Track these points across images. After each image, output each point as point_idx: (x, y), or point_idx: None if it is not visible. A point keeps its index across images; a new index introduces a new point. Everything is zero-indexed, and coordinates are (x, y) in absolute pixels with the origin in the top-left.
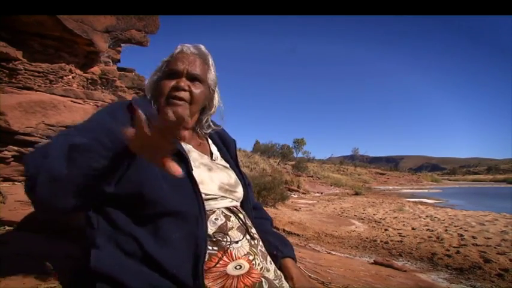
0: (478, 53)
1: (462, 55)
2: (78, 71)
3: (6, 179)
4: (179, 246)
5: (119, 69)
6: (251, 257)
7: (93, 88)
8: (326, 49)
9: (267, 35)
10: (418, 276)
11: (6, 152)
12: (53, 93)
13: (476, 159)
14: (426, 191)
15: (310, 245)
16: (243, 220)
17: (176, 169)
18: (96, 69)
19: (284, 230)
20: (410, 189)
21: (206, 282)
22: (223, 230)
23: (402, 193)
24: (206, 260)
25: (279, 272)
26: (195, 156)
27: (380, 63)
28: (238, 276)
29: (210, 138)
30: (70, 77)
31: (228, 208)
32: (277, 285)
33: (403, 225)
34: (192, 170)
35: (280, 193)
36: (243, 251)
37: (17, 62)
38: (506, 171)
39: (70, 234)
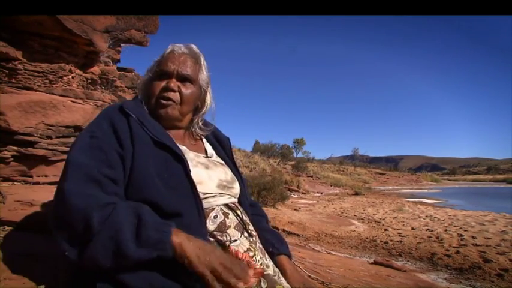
0: (478, 53)
1: (462, 55)
2: (78, 71)
3: (5, 179)
4: None
5: (119, 69)
6: (252, 253)
7: (92, 88)
8: (326, 49)
9: (267, 35)
10: (418, 276)
11: (5, 152)
12: (53, 93)
13: (476, 159)
14: (426, 191)
15: (310, 245)
16: (241, 217)
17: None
18: (95, 69)
19: (284, 230)
20: (410, 189)
21: None
22: (222, 228)
23: (402, 193)
24: None
25: (276, 269)
26: (191, 156)
27: (380, 63)
28: None
29: (205, 138)
30: (70, 77)
31: (226, 205)
32: (277, 280)
33: (403, 225)
34: (190, 171)
35: (280, 193)
36: (243, 249)
37: (16, 62)
38: (506, 171)
39: None
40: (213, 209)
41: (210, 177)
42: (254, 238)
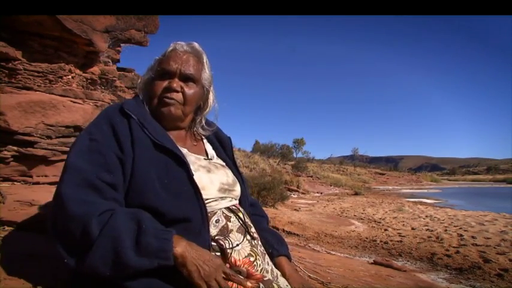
0: (478, 53)
1: (462, 55)
2: (78, 71)
3: (5, 179)
4: None
5: (119, 69)
6: (252, 258)
7: (92, 88)
8: (326, 49)
9: (267, 35)
10: (418, 276)
11: (5, 152)
12: (53, 93)
13: (475, 159)
14: (426, 191)
15: (309, 245)
16: (243, 219)
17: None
18: (95, 69)
19: (284, 230)
20: (410, 189)
21: None
22: (224, 232)
23: (402, 193)
24: None
25: (275, 271)
26: (192, 159)
27: (380, 63)
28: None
29: (205, 138)
30: (69, 77)
31: (228, 208)
32: (275, 286)
33: (403, 225)
34: (193, 175)
35: (280, 193)
36: (244, 253)
37: (16, 62)
38: (506, 171)
39: None
40: (215, 213)
41: (212, 181)
42: (256, 241)
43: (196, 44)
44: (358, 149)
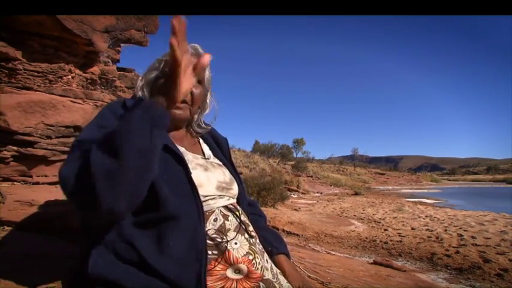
0: (478, 53)
1: (462, 55)
2: (78, 71)
3: (5, 179)
4: (179, 253)
5: (119, 69)
6: (251, 257)
7: (92, 88)
8: (326, 49)
9: (267, 35)
10: (418, 276)
11: (5, 152)
12: (52, 93)
13: (475, 159)
14: (426, 191)
15: (309, 245)
16: (241, 218)
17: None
18: (95, 69)
19: (284, 230)
20: (410, 189)
21: (207, 283)
22: (222, 231)
23: (402, 193)
24: (207, 263)
25: (275, 269)
26: (189, 158)
27: (380, 63)
28: (237, 280)
29: (202, 138)
30: (69, 77)
31: (225, 207)
32: (276, 285)
33: (403, 225)
34: (191, 173)
35: (280, 193)
36: (243, 252)
37: (16, 62)
38: (506, 171)
39: (69, 234)
40: (213, 211)
41: (209, 179)
42: (254, 239)
43: (198, 46)
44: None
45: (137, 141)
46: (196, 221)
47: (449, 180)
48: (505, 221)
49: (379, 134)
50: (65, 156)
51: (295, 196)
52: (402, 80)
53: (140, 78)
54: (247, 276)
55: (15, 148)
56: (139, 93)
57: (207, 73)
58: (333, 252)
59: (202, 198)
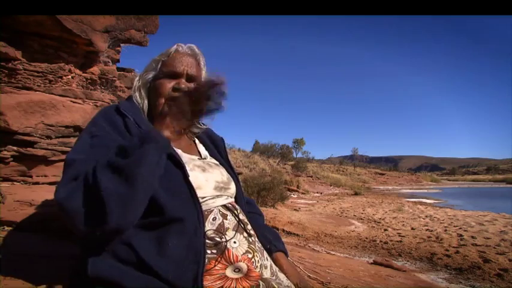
0: (478, 53)
1: (462, 55)
2: (78, 71)
3: (5, 179)
4: (178, 254)
5: (118, 69)
6: (250, 255)
7: (92, 88)
8: (326, 49)
9: (267, 35)
10: (418, 276)
11: (5, 152)
12: (52, 93)
13: (475, 159)
14: (425, 191)
15: (309, 245)
16: (239, 217)
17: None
18: (95, 69)
19: (284, 230)
20: (410, 189)
21: (206, 283)
22: (220, 230)
23: (401, 193)
24: (206, 263)
25: (274, 267)
26: (187, 159)
27: (380, 63)
28: (237, 279)
29: (197, 138)
30: (69, 77)
31: (224, 206)
32: (274, 284)
33: (403, 225)
34: (189, 175)
35: (280, 193)
36: (242, 250)
37: (16, 62)
38: (506, 171)
39: (69, 234)
40: (212, 211)
41: (207, 180)
42: (253, 238)
43: (195, 47)
44: (358, 149)
45: (148, 170)
46: (195, 223)
47: (449, 180)
48: (505, 221)
49: (379, 134)
50: (64, 156)
51: (295, 196)
52: (402, 80)
53: (137, 78)
54: (247, 275)
55: (15, 148)
56: (136, 94)
57: (204, 73)
58: (332, 252)
59: (200, 200)
